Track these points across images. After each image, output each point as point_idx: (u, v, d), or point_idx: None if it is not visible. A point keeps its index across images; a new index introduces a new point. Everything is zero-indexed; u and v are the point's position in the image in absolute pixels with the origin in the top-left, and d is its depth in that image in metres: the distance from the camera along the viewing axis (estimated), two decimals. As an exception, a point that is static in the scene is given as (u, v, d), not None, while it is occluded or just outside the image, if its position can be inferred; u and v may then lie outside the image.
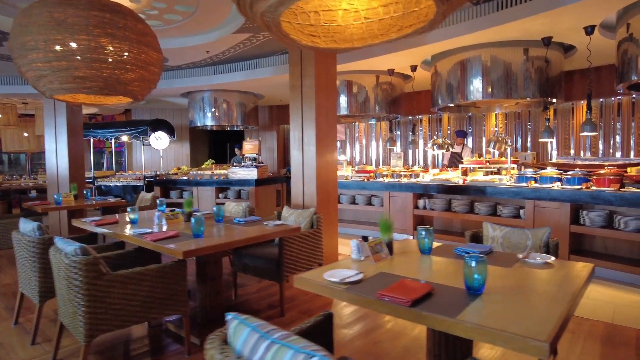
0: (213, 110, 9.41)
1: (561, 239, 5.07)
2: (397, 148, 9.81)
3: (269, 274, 3.85)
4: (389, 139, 7.48)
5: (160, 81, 8.94)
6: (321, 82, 5.17)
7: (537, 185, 5.38)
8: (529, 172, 5.65)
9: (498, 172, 6.38)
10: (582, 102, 7.44)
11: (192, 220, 3.15)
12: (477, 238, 3.15)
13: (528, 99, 5.95)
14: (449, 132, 9.12)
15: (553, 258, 2.32)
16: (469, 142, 8.70)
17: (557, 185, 5.23)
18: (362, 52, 6.55)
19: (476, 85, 5.96)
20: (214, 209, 3.87)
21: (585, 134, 5.18)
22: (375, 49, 6.43)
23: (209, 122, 9.45)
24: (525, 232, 2.87)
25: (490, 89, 5.86)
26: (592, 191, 4.77)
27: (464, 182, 6.11)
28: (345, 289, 1.90)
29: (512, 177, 5.82)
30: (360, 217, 7.83)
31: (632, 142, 6.91)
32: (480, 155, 8.52)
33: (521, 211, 5.54)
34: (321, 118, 5.19)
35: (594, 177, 4.93)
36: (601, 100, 7.27)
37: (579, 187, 5.00)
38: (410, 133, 7.42)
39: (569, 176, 5.18)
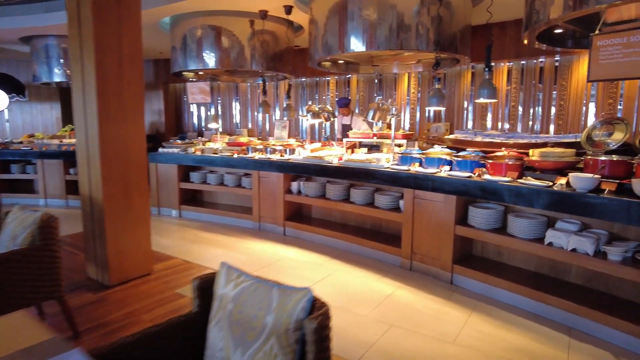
0: (62, 62, 7.39)
1: (445, 243, 3.78)
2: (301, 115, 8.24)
3: None
4: (262, 103, 5.89)
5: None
6: (108, 17, 3.46)
7: (420, 169, 4.03)
8: (415, 151, 4.28)
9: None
10: (503, 63, 6.14)
11: None
12: (206, 290, 1.70)
13: (418, 51, 4.51)
14: (357, 97, 7.64)
15: None
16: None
17: (443, 171, 3.89)
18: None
19: (356, 33, 4.43)
20: None
21: (482, 100, 3.83)
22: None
23: (58, 78, 7.45)
24: (272, 294, 1.43)
25: (372, 39, 4.36)
26: (484, 181, 3.46)
27: (339, 162, 4.69)
28: None
29: (394, 156, 4.45)
30: (235, 202, 6.31)
31: (552, 113, 5.71)
32: (388, 126, 7.15)
33: (401, 202, 4.21)
34: (111, 71, 3.53)
35: (489, 161, 3.62)
36: (523, 62, 5.98)
37: (469, 174, 3.68)
38: (286, 97, 5.90)
39: (459, 158, 3.84)
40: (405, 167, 4.12)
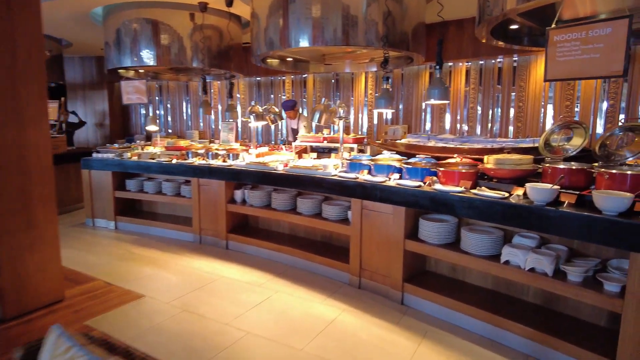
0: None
1: (394, 259, 3.42)
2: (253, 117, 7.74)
3: None
4: (202, 103, 5.39)
5: None
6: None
7: (368, 177, 3.65)
8: (364, 157, 3.91)
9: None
10: (461, 63, 5.88)
11: None
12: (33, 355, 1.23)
13: (366, 47, 4.15)
14: (314, 97, 7.24)
15: None
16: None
17: (392, 179, 3.53)
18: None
19: (299, 27, 4.02)
20: None
21: (433, 101, 3.50)
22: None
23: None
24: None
25: (317, 34, 3.96)
26: (434, 191, 3.11)
27: (284, 169, 4.26)
28: None
29: (343, 163, 4.06)
30: (175, 212, 5.77)
31: (511, 115, 5.48)
32: (347, 130, 6.78)
33: (349, 213, 3.83)
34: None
35: (441, 169, 3.27)
36: (481, 62, 5.73)
37: (419, 183, 3.33)
38: (227, 97, 5.43)
39: (409, 166, 3.49)
40: (353, 175, 3.74)
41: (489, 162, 3.07)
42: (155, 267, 4.28)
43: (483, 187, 3.02)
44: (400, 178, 3.53)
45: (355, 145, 4.59)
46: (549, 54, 2.67)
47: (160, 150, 5.68)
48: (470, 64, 5.77)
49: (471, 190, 2.99)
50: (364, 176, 3.69)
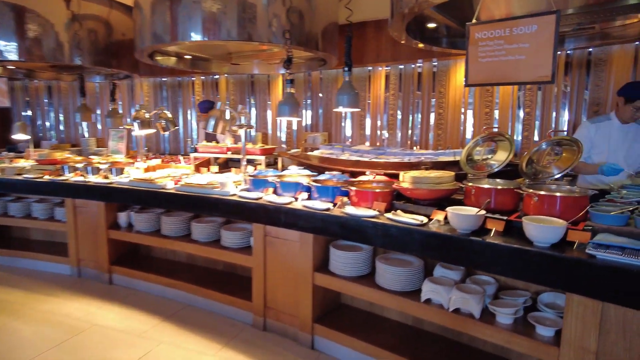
0: None
1: (303, 295, 2.87)
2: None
3: None
4: (80, 108, 4.50)
5: None
6: None
7: (272, 197, 3.07)
8: (270, 173, 3.33)
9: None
10: (380, 67, 5.51)
11: None
12: None
13: (269, 44, 3.59)
14: (228, 101, 6.53)
15: None
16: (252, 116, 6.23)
17: (300, 200, 2.98)
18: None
19: (186, 18, 3.35)
20: None
21: (342, 109, 3.02)
22: None
23: None
24: None
25: (208, 26, 3.32)
26: (344, 216, 2.60)
27: (174, 187, 3.56)
28: None
29: (246, 179, 3.45)
30: (52, 239, 4.78)
31: (431, 122, 5.20)
32: (264, 137, 6.17)
33: (252, 240, 3.21)
34: None
35: (353, 187, 2.78)
36: (401, 67, 5.41)
37: (328, 205, 2.80)
38: (110, 101, 4.62)
39: (318, 184, 2.96)
40: (256, 195, 3.14)
41: (405, 180, 2.62)
42: (8, 317, 3.36)
43: (398, 211, 2.56)
44: (309, 198, 2.99)
45: (263, 157, 3.99)
46: (470, 54, 2.27)
47: (31, 164, 4.67)
48: (389, 68, 5.42)
49: (385, 214, 2.52)
50: (268, 196, 3.10)
